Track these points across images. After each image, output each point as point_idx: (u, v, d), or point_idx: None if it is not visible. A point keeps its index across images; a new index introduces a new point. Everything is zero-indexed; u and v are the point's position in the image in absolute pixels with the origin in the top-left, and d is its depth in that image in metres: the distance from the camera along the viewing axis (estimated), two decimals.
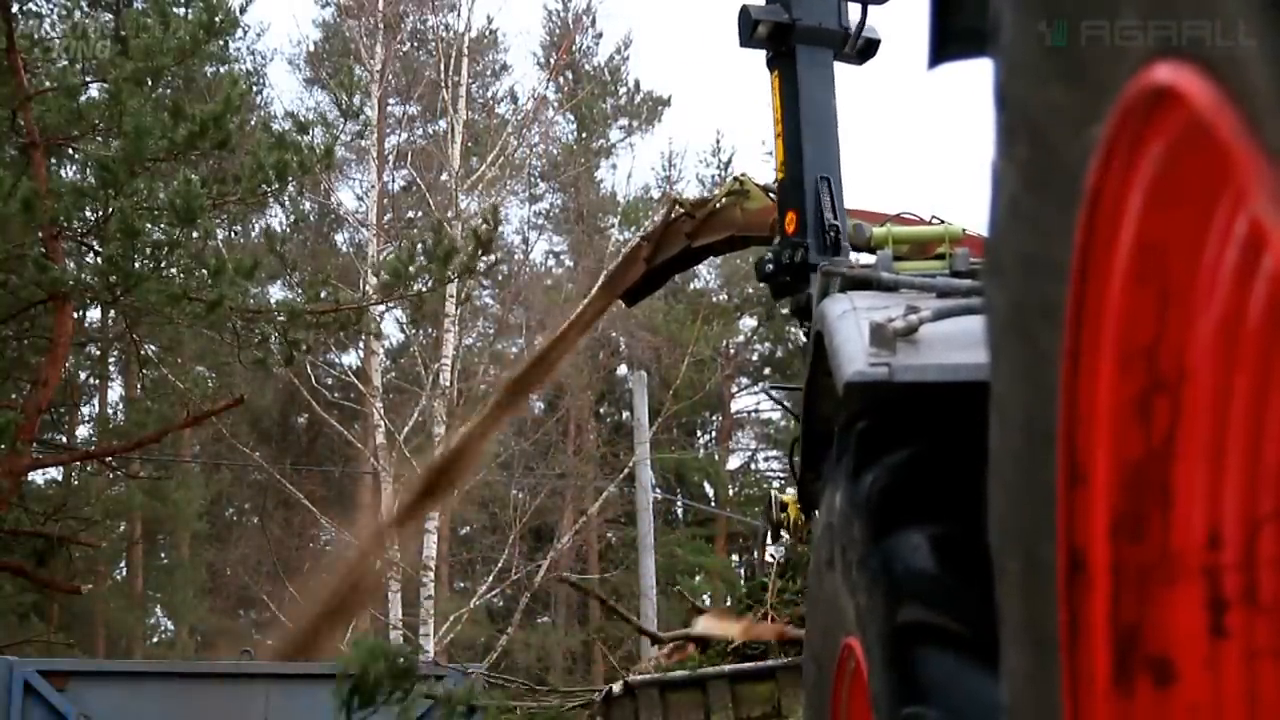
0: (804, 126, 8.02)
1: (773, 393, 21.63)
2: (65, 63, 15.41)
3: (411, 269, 16.84)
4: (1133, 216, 1.48)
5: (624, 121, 35.96)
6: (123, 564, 31.76)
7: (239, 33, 23.89)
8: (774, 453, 39.48)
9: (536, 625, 32.72)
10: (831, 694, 4.10)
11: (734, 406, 39.34)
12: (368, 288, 20.45)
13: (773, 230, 8.49)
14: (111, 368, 27.46)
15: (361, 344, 26.01)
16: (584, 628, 33.98)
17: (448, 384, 24.34)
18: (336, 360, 28.58)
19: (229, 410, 19.31)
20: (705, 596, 36.42)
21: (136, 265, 14.57)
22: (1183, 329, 1.48)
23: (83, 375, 25.03)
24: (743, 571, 37.24)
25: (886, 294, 4.24)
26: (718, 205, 8.55)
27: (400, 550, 23.35)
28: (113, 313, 19.29)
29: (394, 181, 31.18)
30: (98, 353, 24.53)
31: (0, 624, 21.70)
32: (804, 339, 8.08)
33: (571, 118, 34.42)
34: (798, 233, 7.99)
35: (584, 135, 35.02)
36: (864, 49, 8.25)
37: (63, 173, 18.06)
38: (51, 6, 18.38)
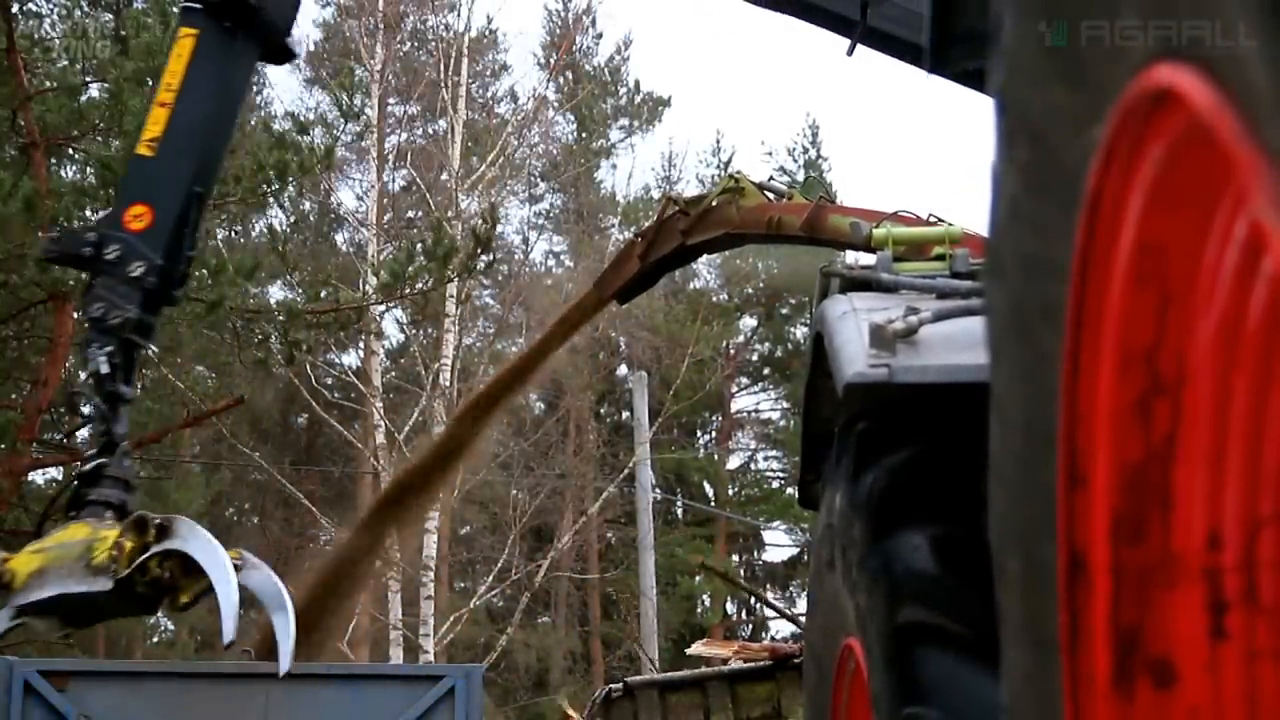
0: (204, 120, 7.09)
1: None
2: (65, 63, 15.41)
3: (411, 269, 16.84)
4: (1133, 218, 1.48)
5: (624, 121, 35.98)
6: None
7: None
8: (774, 453, 39.49)
9: (536, 625, 32.69)
10: (832, 694, 4.11)
11: (734, 406, 39.33)
12: (368, 288, 20.44)
13: (768, 228, 8.34)
14: None
15: (361, 344, 26.02)
16: (584, 628, 33.98)
17: (448, 384, 24.33)
18: (336, 360, 28.54)
19: (229, 410, 19.31)
20: (705, 597, 36.49)
21: None
22: (1183, 331, 1.48)
23: (83, 375, 24.97)
24: (742, 572, 37.27)
25: (886, 295, 4.23)
26: (713, 203, 8.49)
27: (400, 550, 23.33)
28: None
29: (394, 181, 31.19)
30: None
31: None
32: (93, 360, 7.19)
33: (571, 118, 34.44)
34: (148, 237, 6.91)
35: (584, 135, 35.02)
36: (282, 50, 7.61)
37: (63, 173, 18.03)
38: (51, 6, 18.36)
